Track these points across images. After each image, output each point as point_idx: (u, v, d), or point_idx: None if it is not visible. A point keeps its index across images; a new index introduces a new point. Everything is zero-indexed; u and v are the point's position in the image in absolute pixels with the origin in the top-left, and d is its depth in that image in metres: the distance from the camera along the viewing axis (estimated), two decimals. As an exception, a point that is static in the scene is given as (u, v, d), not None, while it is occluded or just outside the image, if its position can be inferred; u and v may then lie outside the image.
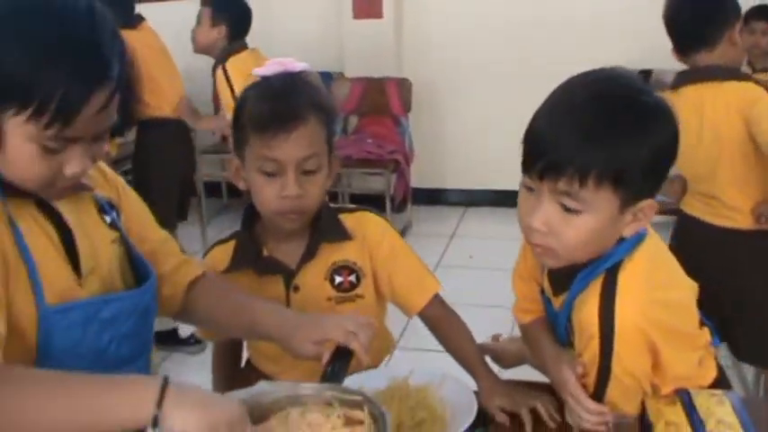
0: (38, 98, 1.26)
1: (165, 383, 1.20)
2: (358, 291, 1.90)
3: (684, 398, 1.67)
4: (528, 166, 1.49)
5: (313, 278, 1.88)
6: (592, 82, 1.51)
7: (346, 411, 1.35)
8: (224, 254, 1.92)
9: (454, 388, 1.76)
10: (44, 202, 1.45)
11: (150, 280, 1.58)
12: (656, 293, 1.55)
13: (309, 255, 1.87)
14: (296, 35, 6.28)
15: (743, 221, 2.92)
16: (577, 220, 1.48)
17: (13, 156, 1.32)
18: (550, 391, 1.73)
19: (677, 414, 1.62)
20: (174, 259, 1.75)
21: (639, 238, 1.57)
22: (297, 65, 1.84)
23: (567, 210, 1.47)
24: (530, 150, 1.49)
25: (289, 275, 1.87)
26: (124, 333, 1.50)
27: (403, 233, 6.06)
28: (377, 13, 6.05)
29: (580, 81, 1.52)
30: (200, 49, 4.56)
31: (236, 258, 1.89)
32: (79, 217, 1.51)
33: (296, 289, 1.88)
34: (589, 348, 1.56)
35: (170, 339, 4.33)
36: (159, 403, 1.18)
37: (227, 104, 4.28)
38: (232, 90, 4.25)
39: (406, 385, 1.74)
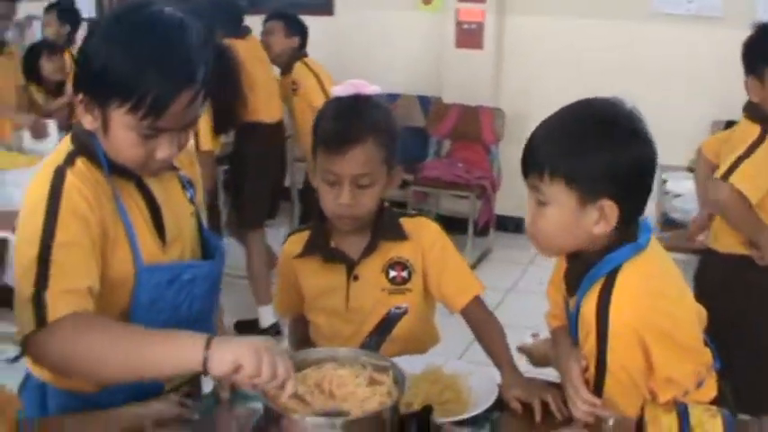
0: (136, 95, 1.57)
1: (211, 336, 1.48)
2: (408, 285, 2.16)
3: (681, 408, 1.88)
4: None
5: (371, 270, 2.15)
6: (579, 104, 1.84)
7: (373, 374, 1.63)
8: (299, 241, 2.21)
9: (481, 379, 2.02)
10: (141, 181, 1.78)
11: (220, 252, 1.91)
12: (650, 297, 1.78)
13: (370, 249, 2.14)
14: (399, 60, 6.59)
15: None
16: (546, 211, 1.80)
17: (115, 140, 1.65)
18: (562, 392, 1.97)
19: (671, 420, 1.84)
20: None
21: (639, 247, 1.81)
22: (368, 88, 2.10)
23: (540, 203, 1.80)
24: (522, 156, 1.82)
25: (351, 265, 2.15)
26: (197, 295, 1.82)
27: (483, 257, 6.30)
28: (478, 44, 6.31)
29: (575, 103, 1.85)
30: (272, 56, 5.10)
31: (307, 246, 2.18)
32: (167, 193, 1.84)
33: (356, 278, 2.15)
34: (587, 343, 1.81)
35: (251, 328, 4.65)
36: (207, 347, 1.45)
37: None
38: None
39: (439, 371, 2.01)
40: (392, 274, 2.15)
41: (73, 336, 1.53)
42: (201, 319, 1.84)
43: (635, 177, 1.78)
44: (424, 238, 2.18)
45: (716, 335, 2.00)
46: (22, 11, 6.22)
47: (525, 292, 5.70)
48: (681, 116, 5.61)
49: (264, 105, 4.83)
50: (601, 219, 1.76)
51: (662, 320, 1.79)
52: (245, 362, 1.43)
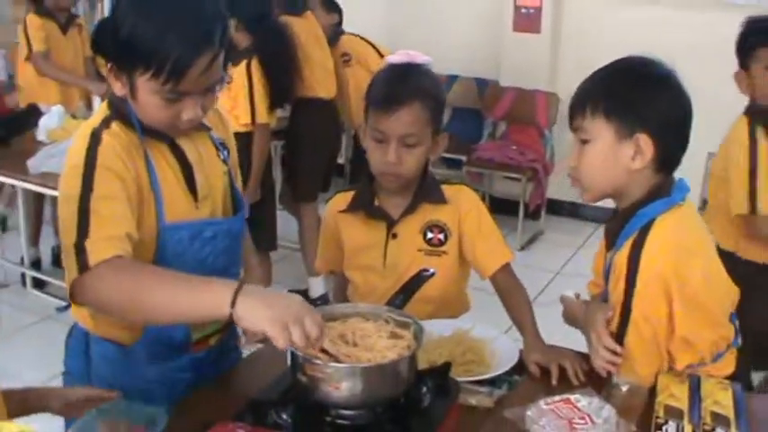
0: (156, 61, 1.67)
1: (240, 285, 1.55)
2: (444, 248, 2.27)
3: (693, 380, 1.96)
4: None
5: (410, 230, 2.27)
6: (621, 58, 2.02)
7: (395, 329, 1.73)
8: (344, 199, 2.35)
9: (505, 343, 2.12)
10: (174, 142, 1.89)
11: (242, 210, 2.03)
12: (683, 251, 1.89)
13: (410, 210, 2.27)
14: (457, 42, 6.66)
15: None
16: (588, 149, 1.95)
17: (143, 105, 1.77)
18: (582, 358, 2.06)
19: (682, 390, 1.92)
20: None
21: (673, 201, 1.93)
22: (421, 57, 2.23)
23: (582, 142, 1.96)
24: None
25: (391, 223, 2.28)
26: (221, 249, 1.95)
27: (533, 239, 6.36)
28: (535, 29, 6.35)
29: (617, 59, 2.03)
30: None
31: (353, 202, 2.32)
32: (199, 153, 1.94)
33: (394, 236, 2.28)
34: (616, 290, 1.93)
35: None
36: (233, 301, 1.52)
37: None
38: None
39: (465, 334, 2.11)
40: (429, 235, 2.27)
41: (113, 277, 1.64)
42: (227, 271, 1.97)
43: (669, 116, 1.93)
44: (463, 203, 2.30)
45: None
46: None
47: (574, 275, 5.74)
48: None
49: (320, 81, 4.96)
50: (637, 153, 1.90)
51: (691, 276, 1.88)
52: (275, 337, 1.49)
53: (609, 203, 3.38)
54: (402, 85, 2.16)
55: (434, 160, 2.31)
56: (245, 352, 2.19)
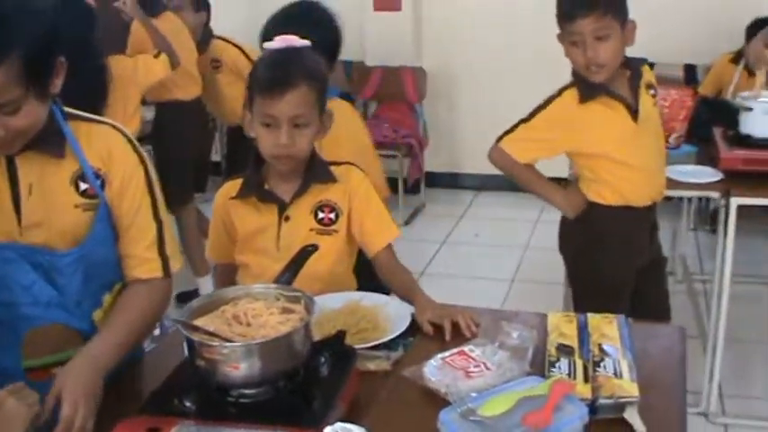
0: None
1: None
2: (335, 227, 2.31)
3: (581, 318, 2.05)
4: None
5: (301, 211, 2.30)
6: None
7: (286, 304, 1.75)
8: (234, 186, 2.34)
9: (397, 307, 2.16)
10: (11, 160, 1.80)
11: (77, 247, 1.86)
12: None
13: (301, 191, 2.29)
14: (320, 26, 6.67)
15: None
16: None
17: None
18: (473, 312, 2.12)
19: (571, 329, 2.00)
20: (133, 251, 1.96)
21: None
22: (298, 41, 2.26)
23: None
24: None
25: (282, 206, 2.30)
26: (52, 280, 1.84)
27: (415, 214, 6.45)
28: (396, 6, 6.43)
29: None
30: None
31: (243, 188, 2.32)
32: (41, 179, 1.83)
33: (287, 219, 2.30)
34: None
35: (192, 298, 4.74)
36: None
37: None
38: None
39: (356, 303, 2.15)
40: (320, 215, 2.30)
41: None
42: (62, 303, 1.87)
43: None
44: (352, 181, 2.34)
45: None
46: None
47: (458, 244, 5.88)
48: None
49: (179, 84, 4.95)
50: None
51: None
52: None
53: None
54: (287, 67, 2.18)
55: (320, 141, 2.33)
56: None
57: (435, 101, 6.71)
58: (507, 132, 2.97)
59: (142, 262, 1.96)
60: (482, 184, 6.83)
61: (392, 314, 2.12)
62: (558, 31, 2.81)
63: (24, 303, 1.83)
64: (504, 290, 4.99)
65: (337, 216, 2.31)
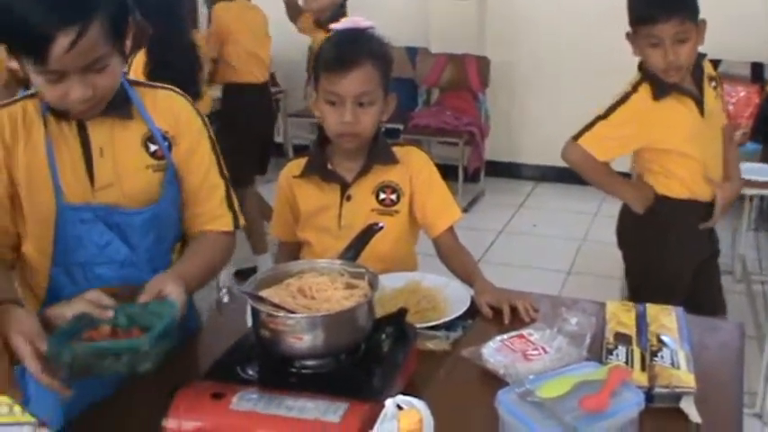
0: (13, 40, 1.64)
1: None
2: (396, 207, 2.35)
3: (639, 308, 2.06)
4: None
5: (363, 191, 2.34)
6: None
7: (350, 280, 1.79)
8: (298, 165, 2.40)
9: (457, 289, 2.19)
10: (81, 123, 1.87)
11: (150, 206, 1.94)
12: None
13: (363, 172, 2.33)
14: (386, 13, 6.67)
15: None
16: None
17: (35, 84, 1.75)
18: (532, 297, 2.14)
19: (629, 318, 2.01)
20: (204, 208, 2.05)
21: None
22: (364, 22, 2.31)
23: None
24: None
25: (345, 186, 2.34)
26: (127, 238, 1.92)
27: (474, 202, 6.46)
28: (462, -6, 6.42)
29: None
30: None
31: (306, 167, 2.38)
32: (113, 140, 1.90)
33: (348, 198, 2.34)
34: None
35: (249, 276, 4.82)
36: None
37: None
38: None
39: (417, 284, 2.18)
40: (382, 196, 2.34)
41: None
42: (134, 263, 1.94)
43: None
44: (414, 163, 2.37)
45: None
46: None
47: (517, 234, 5.88)
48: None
49: (247, 67, 5.09)
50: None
51: None
52: None
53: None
54: (352, 46, 2.22)
55: (385, 121, 2.35)
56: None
57: (498, 90, 6.69)
58: (585, 130, 2.91)
59: (214, 218, 2.06)
60: (542, 174, 6.82)
61: (452, 296, 2.15)
62: (625, 28, 2.80)
63: (99, 263, 1.90)
64: (560, 281, 4.99)
65: (399, 197, 2.34)
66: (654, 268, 3.01)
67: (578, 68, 6.43)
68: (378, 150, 2.34)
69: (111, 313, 1.66)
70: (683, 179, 2.91)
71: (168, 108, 2.00)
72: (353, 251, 1.93)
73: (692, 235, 2.99)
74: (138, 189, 1.93)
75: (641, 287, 3.07)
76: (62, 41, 1.59)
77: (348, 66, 2.19)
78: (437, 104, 6.66)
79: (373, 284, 1.75)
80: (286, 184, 2.42)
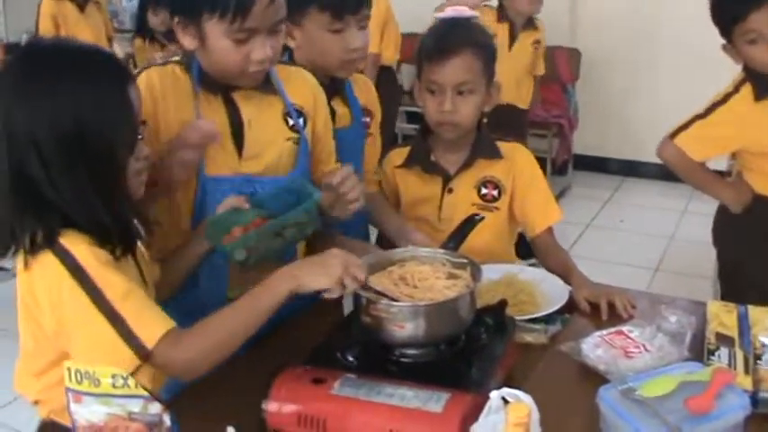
0: (223, 0, 1.72)
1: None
2: (497, 204, 2.34)
3: (741, 309, 2.02)
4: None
5: (465, 185, 2.35)
6: None
7: (452, 270, 1.79)
8: (400, 155, 2.43)
9: (554, 284, 2.18)
10: (228, 97, 1.93)
11: (293, 174, 2.00)
12: None
13: (466, 165, 2.34)
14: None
15: None
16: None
17: (214, 51, 1.81)
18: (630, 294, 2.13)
19: (731, 319, 1.97)
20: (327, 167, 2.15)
21: None
22: (467, 12, 2.33)
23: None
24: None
25: (447, 178, 2.35)
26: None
27: (562, 194, 6.40)
28: (555, -15, 6.34)
29: None
30: None
31: (409, 158, 2.40)
32: (259, 113, 1.96)
33: (450, 191, 2.35)
34: None
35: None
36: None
37: None
38: None
39: (515, 276, 2.17)
40: (484, 191, 2.34)
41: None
42: None
43: None
44: (518, 160, 2.36)
45: None
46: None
47: (603, 228, 5.81)
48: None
49: (391, 49, 5.31)
50: None
51: None
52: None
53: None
54: (453, 35, 2.23)
55: (488, 112, 2.35)
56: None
57: (587, 83, 6.61)
58: (681, 128, 2.79)
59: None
60: (629, 169, 6.72)
61: (549, 290, 2.15)
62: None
63: (282, 192, 1.89)
64: (647, 279, 4.91)
65: (500, 193, 2.34)
66: (748, 268, 2.94)
67: (668, 63, 6.31)
68: (482, 144, 2.33)
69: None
70: None
71: (302, 85, 2.08)
72: (455, 241, 1.93)
73: None
74: (277, 160, 1.99)
75: (735, 287, 3.00)
76: None
77: (447, 54, 2.20)
78: (526, 96, 6.61)
79: (476, 275, 1.75)
80: (389, 173, 2.44)
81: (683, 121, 2.79)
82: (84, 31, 5.49)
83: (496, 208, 2.34)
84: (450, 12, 2.33)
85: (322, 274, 1.60)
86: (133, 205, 1.61)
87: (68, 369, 1.43)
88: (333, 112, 2.26)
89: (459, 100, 2.22)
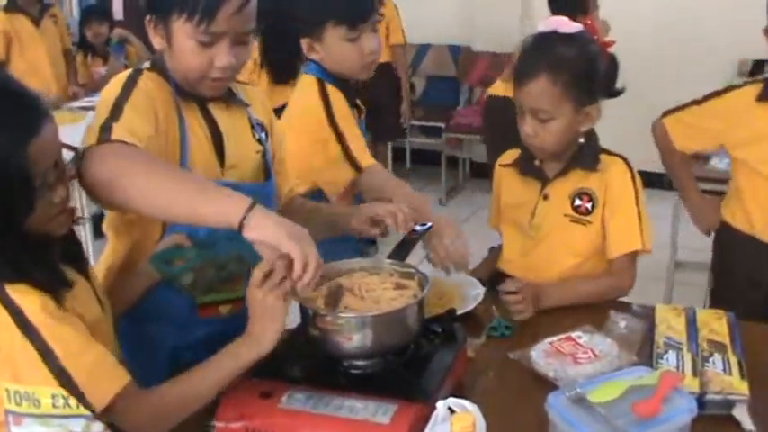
0: (191, 2, 1.70)
1: (254, 203, 1.55)
2: (589, 217, 2.23)
3: (690, 312, 2.03)
4: None
5: (560, 193, 2.26)
6: None
7: (400, 280, 1.78)
8: (511, 155, 2.37)
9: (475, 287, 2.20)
10: (205, 108, 1.90)
11: (268, 181, 2.00)
12: None
13: (563, 173, 2.24)
14: (430, 11, 6.67)
15: None
16: None
17: (178, 52, 1.78)
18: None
19: (679, 323, 1.99)
20: (283, 182, 2.13)
21: None
22: (568, 26, 2.16)
23: None
24: None
25: (545, 183, 2.27)
26: None
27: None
28: (506, -9, 6.39)
29: None
30: None
31: (517, 159, 2.33)
32: (233, 125, 1.94)
33: (545, 197, 2.27)
34: None
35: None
36: (248, 211, 1.52)
37: None
38: None
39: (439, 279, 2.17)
40: (578, 202, 2.24)
41: (124, 158, 1.58)
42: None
43: None
44: (613, 173, 2.23)
45: None
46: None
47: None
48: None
49: None
50: None
51: None
52: (292, 250, 1.51)
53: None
54: (533, 57, 2.15)
55: (583, 131, 2.22)
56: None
57: (541, 89, 6.64)
58: (676, 110, 2.71)
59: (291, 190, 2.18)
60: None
61: (466, 292, 2.15)
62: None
63: (217, 236, 1.84)
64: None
65: (593, 206, 2.23)
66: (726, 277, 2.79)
67: (661, 73, 6.27)
68: (582, 154, 2.23)
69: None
70: (746, 206, 2.61)
71: (260, 101, 2.07)
72: (403, 250, 1.92)
73: (755, 279, 2.62)
74: (250, 170, 1.97)
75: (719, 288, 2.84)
76: (235, 2, 1.72)
77: (522, 78, 2.13)
78: (479, 103, 6.62)
79: (423, 285, 1.74)
80: (497, 170, 2.41)
81: (682, 103, 2.71)
82: (39, 46, 5.39)
83: (589, 222, 2.23)
84: (546, 24, 2.19)
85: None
86: (53, 248, 1.53)
87: (7, 390, 1.41)
88: (359, 111, 2.51)
89: (539, 125, 2.14)
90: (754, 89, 2.54)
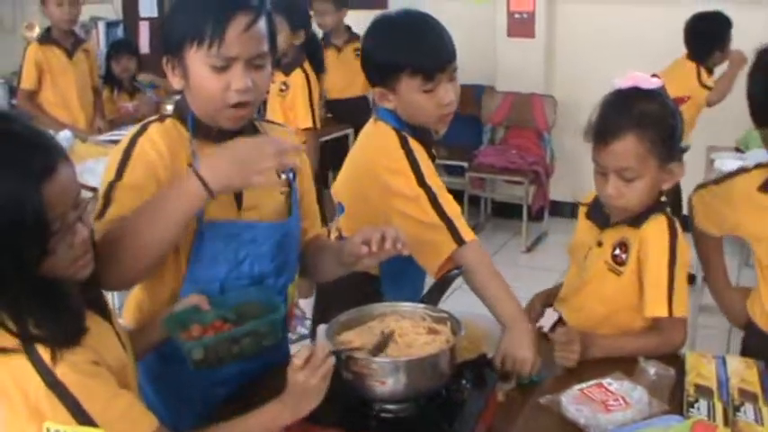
0: (197, 28, 1.75)
1: (193, 169, 1.66)
2: (622, 268, 2.20)
3: (719, 360, 2.03)
4: None
5: (609, 240, 2.24)
6: None
7: (432, 324, 1.79)
8: (590, 197, 2.36)
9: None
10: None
11: (287, 220, 2.00)
12: None
13: (614, 222, 2.22)
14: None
15: None
16: None
17: (196, 82, 1.81)
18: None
19: (709, 371, 1.98)
20: (311, 226, 2.16)
21: None
22: (648, 82, 2.15)
23: None
24: None
25: (601, 230, 2.26)
26: (262, 254, 1.93)
27: (538, 241, 6.42)
28: (529, 33, 6.43)
29: None
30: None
31: (591, 202, 2.33)
32: None
33: (599, 244, 2.26)
34: None
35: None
36: (195, 174, 1.64)
37: None
38: None
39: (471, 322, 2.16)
40: (616, 251, 2.22)
41: (111, 243, 1.66)
42: (264, 278, 1.96)
43: None
44: (650, 230, 2.18)
45: None
46: (86, 13, 6.53)
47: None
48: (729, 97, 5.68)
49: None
50: None
51: None
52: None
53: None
54: (617, 116, 2.11)
55: (666, 190, 2.22)
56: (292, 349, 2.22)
57: (563, 130, 6.67)
58: (705, 185, 2.52)
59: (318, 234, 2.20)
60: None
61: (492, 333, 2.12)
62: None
63: (232, 279, 1.90)
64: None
65: (628, 257, 2.20)
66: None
67: None
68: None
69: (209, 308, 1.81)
70: (765, 306, 2.31)
71: (291, 142, 2.03)
72: (435, 294, 1.93)
73: None
74: (272, 210, 1.97)
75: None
76: (241, 20, 1.76)
77: (607, 138, 2.09)
78: (502, 143, 6.66)
79: (456, 330, 1.75)
80: (580, 209, 2.41)
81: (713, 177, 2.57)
82: (70, 78, 5.46)
83: (621, 272, 2.21)
84: (629, 80, 2.16)
85: (311, 404, 1.62)
86: (73, 296, 1.51)
87: (47, 429, 1.42)
88: (433, 158, 2.33)
89: (623, 185, 2.11)
90: (758, 175, 2.28)
